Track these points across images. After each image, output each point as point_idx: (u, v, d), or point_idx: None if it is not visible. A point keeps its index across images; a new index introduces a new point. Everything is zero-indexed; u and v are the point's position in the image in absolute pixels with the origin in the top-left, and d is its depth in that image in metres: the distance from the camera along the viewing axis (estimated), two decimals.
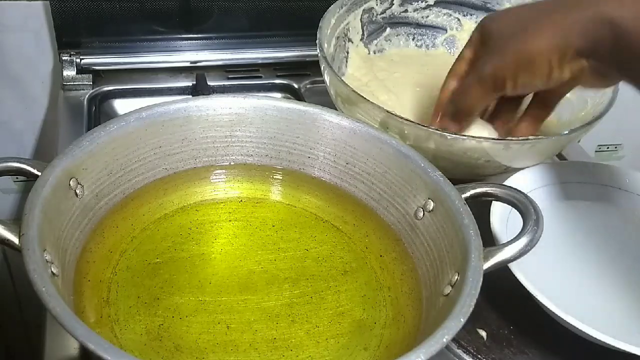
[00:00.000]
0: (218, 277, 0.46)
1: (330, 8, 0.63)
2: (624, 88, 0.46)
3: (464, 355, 0.47)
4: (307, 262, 0.48)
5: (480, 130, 0.53)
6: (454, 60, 0.53)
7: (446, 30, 0.73)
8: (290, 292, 0.45)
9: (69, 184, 0.42)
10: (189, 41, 0.76)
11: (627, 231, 0.58)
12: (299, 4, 0.76)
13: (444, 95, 0.53)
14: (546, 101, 0.51)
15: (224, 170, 0.53)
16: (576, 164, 0.62)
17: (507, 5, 0.71)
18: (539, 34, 0.43)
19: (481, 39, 0.49)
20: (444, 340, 0.34)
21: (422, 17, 0.73)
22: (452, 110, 0.52)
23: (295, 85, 0.76)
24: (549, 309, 0.45)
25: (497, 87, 0.47)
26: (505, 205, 0.46)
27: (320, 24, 0.60)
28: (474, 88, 0.49)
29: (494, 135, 0.54)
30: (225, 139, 0.52)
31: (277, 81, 0.76)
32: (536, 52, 0.44)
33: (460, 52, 0.52)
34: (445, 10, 0.73)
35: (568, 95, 0.53)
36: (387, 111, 0.51)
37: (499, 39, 0.47)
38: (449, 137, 0.50)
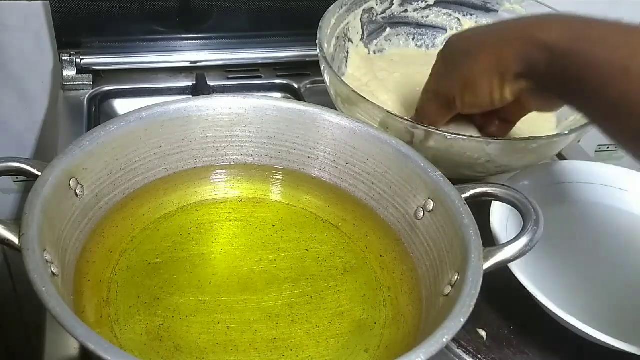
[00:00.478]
0: (218, 277, 0.46)
1: (330, 8, 0.63)
2: None
3: (464, 355, 0.47)
4: (307, 262, 0.48)
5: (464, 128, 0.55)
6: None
7: (446, 30, 0.73)
8: (290, 292, 0.45)
9: (69, 184, 0.42)
10: (189, 41, 0.76)
11: (627, 231, 0.58)
12: (299, 4, 0.76)
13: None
14: (506, 119, 0.54)
15: (224, 170, 0.53)
16: (576, 164, 0.62)
17: (507, 5, 0.71)
18: (481, 57, 0.46)
19: (443, 56, 0.52)
20: (444, 340, 0.34)
21: (422, 17, 0.73)
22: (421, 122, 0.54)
23: (295, 85, 0.76)
24: (549, 309, 0.45)
25: (449, 104, 0.51)
26: (505, 205, 0.46)
27: (320, 24, 0.60)
28: (430, 103, 0.53)
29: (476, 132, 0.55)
30: (225, 139, 0.52)
31: (277, 81, 0.76)
32: (477, 75, 0.47)
33: (432, 67, 0.54)
34: (445, 10, 0.73)
35: None
36: (387, 111, 0.51)
37: (452, 60, 0.50)
38: (448, 137, 0.50)
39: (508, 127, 0.55)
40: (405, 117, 0.52)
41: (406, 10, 0.72)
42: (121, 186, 0.48)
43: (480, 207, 0.47)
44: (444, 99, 0.51)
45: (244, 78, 0.76)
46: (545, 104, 0.49)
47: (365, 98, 0.53)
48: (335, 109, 0.54)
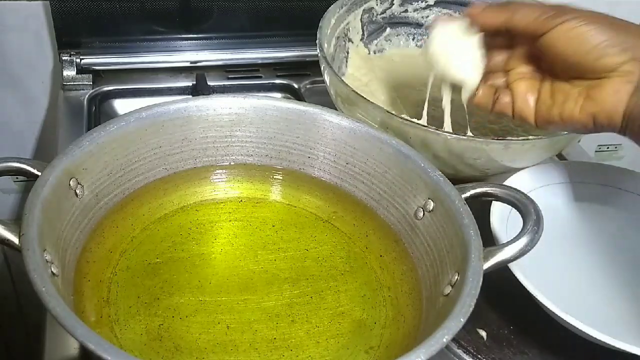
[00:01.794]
0: (218, 277, 0.46)
1: (330, 8, 0.63)
2: None
3: (464, 355, 0.47)
4: (307, 262, 0.48)
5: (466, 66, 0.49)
6: None
7: None
8: (290, 292, 0.45)
9: (69, 184, 0.42)
10: (189, 41, 0.76)
11: (627, 231, 0.58)
12: (299, 4, 0.76)
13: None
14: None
15: (224, 170, 0.53)
16: (576, 164, 0.62)
17: None
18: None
19: None
20: (444, 340, 0.34)
21: (422, 17, 0.73)
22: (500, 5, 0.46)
23: (295, 85, 0.76)
24: (549, 309, 0.45)
25: (563, 13, 0.42)
26: (505, 205, 0.46)
27: (320, 24, 0.60)
28: (542, 4, 0.44)
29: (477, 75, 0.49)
30: (225, 139, 0.52)
31: (277, 81, 0.76)
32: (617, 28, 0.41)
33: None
34: (445, 10, 0.73)
35: None
36: (387, 111, 0.51)
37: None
38: (449, 137, 0.50)
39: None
40: (406, 117, 0.52)
41: (406, 10, 0.72)
42: (121, 186, 0.48)
43: (480, 207, 0.47)
44: (564, 10, 0.42)
45: (244, 78, 0.76)
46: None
47: (365, 98, 0.53)
48: (335, 109, 0.54)
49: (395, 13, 0.72)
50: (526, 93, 0.46)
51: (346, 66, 0.68)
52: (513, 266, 0.46)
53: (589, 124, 0.43)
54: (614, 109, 0.41)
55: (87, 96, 0.70)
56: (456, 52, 0.48)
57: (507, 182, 0.55)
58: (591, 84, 0.42)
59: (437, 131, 0.50)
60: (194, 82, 0.73)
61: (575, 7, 0.43)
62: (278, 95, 0.75)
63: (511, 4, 0.44)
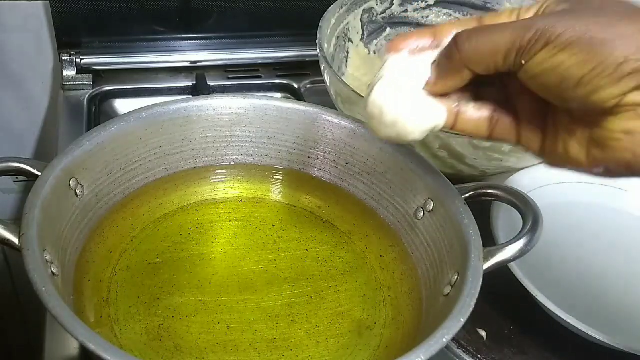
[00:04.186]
0: (218, 277, 0.46)
1: (330, 8, 0.63)
2: None
3: (464, 355, 0.47)
4: (307, 262, 0.48)
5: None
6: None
7: None
8: (290, 292, 0.45)
9: (69, 184, 0.42)
10: (189, 41, 0.76)
11: (626, 231, 0.58)
12: (299, 4, 0.76)
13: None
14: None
15: (224, 170, 0.53)
16: None
17: (507, 5, 0.71)
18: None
19: (569, 2, 0.32)
20: (444, 340, 0.34)
21: (422, 17, 0.73)
22: (446, 50, 0.35)
23: (295, 85, 0.76)
24: (549, 308, 0.45)
25: (530, 47, 0.31)
26: (505, 205, 0.46)
27: (320, 24, 0.60)
28: (506, 30, 0.32)
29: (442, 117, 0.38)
30: (225, 139, 0.52)
31: (277, 81, 0.76)
32: (614, 37, 0.29)
33: (507, 9, 0.36)
34: (445, 10, 0.73)
35: None
36: None
37: (586, 7, 0.31)
38: (449, 137, 0.50)
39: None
40: None
41: (406, 10, 0.72)
42: (121, 186, 0.48)
43: (480, 207, 0.47)
44: (528, 37, 0.30)
45: (244, 78, 0.76)
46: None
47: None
48: (335, 109, 0.54)
49: (395, 13, 0.72)
50: (533, 114, 0.35)
51: (346, 66, 0.68)
52: (513, 266, 0.46)
53: (602, 173, 0.32)
54: (630, 156, 0.30)
55: (87, 96, 0.70)
56: (404, 100, 0.36)
57: (507, 182, 0.55)
58: (593, 123, 0.31)
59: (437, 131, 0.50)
60: (194, 82, 0.73)
61: (565, 7, 0.32)
62: (278, 95, 0.75)
63: (464, 38, 0.33)
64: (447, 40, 0.35)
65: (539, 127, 0.35)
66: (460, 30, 0.34)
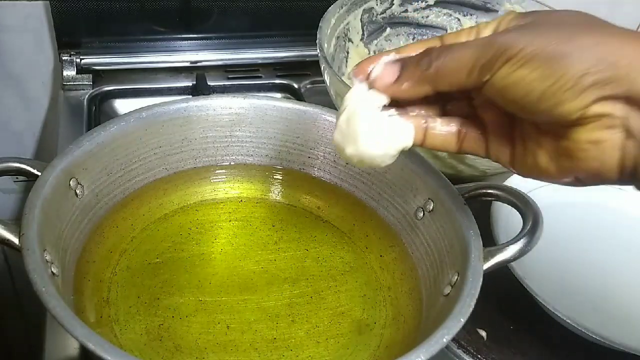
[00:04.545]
0: (218, 277, 0.46)
1: (330, 8, 0.63)
2: None
3: (464, 355, 0.47)
4: (307, 262, 0.48)
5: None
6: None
7: (446, 30, 0.73)
8: (290, 292, 0.45)
9: (69, 184, 0.42)
10: (189, 41, 0.75)
11: (626, 231, 0.58)
12: (299, 4, 0.76)
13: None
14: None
15: (224, 170, 0.53)
16: None
17: (507, 5, 0.71)
18: (593, 36, 0.29)
19: (530, 14, 0.33)
20: (444, 340, 0.34)
21: (422, 17, 0.73)
22: (415, 61, 0.34)
23: (295, 85, 0.76)
24: (549, 308, 0.45)
25: (492, 63, 0.31)
26: (505, 205, 0.46)
27: (320, 24, 0.60)
28: (469, 48, 0.32)
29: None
30: (225, 139, 0.52)
31: (277, 81, 0.76)
32: (575, 50, 0.29)
33: (466, 28, 0.36)
34: (445, 10, 0.73)
35: None
36: None
37: (550, 19, 0.32)
38: None
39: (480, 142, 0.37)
40: None
41: (406, 10, 0.72)
42: (121, 186, 0.48)
43: (480, 207, 0.47)
44: (490, 53, 0.31)
45: (244, 78, 0.76)
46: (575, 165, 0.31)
47: None
48: (335, 109, 0.54)
49: (395, 13, 0.72)
50: (501, 127, 0.35)
51: (346, 66, 0.68)
52: (513, 266, 0.46)
53: (572, 182, 0.33)
54: (598, 165, 0.30)
55: (87, 96, 0.70)
56: (365, 131, 0.36)
57: (507, 182, 0.55)
58: (560, 134, 0.31)
59: None
60: (194, 82, 0.73)
61: (529, 18, 0.32)
62: (278, 95, 0.75)
63: (433, 55, 0.33)
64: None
65: (507, 139, 0.35)
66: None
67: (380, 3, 0.70)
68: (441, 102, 0.37)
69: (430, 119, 0.36)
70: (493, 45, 0.31)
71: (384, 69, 0.35)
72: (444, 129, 0.36)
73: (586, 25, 0.30)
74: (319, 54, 0.58)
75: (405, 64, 0.35)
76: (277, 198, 0.53)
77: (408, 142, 0.36)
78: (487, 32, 0.34)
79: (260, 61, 0.78)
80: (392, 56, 0.36)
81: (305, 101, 0.69)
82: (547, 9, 0.68)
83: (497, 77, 0.31)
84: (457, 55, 0.32)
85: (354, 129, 0.36)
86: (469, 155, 0.52)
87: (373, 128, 0.36)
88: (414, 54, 0.35)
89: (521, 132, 0.34)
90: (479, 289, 0.38)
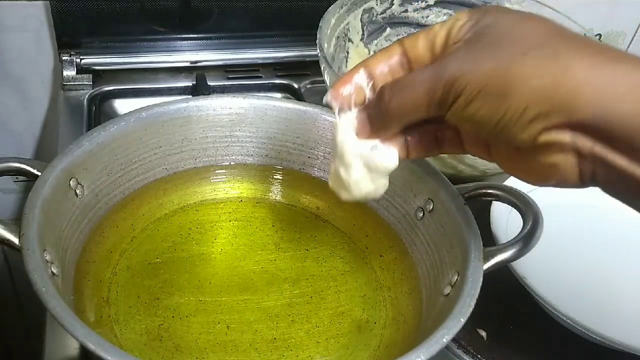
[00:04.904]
0: (218, 277, 0.46)
1: (330, 8, 0.63)
2: None
3: (464, 355, 0.47)
4: (307, 262, 0.48)
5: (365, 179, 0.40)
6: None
7: None
8: (290, 292, 0.45)
9: (69, 184, 0.42)
10: (189, 41, 0.75)
11: (627, 231, 0.58)
12: (299, 4, 0.76)
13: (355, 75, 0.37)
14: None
15: (224, 170, 0.53)
16: None
17: (507, 5, 0.71)
18: (541, 61, 0.29)
19: (477, 30, 0.32)
20: (444, 340, 0.34)
21: (422, 17, 0.73)
22: (375, 107, 0.36)
23: (295, 85, 0.76)
24: (549, 308, 0.45)
25: (447, 97, 0.32)
26: (505, 205, 0.46)
27: (320, 24, 0.60)
28: (417, 89, 0.33)
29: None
30: (225, 139, 0.52)
31: (277, 81, 0.76)
32: (519, 80, 0.29)
33: (423, 31, 0.35)
34: (445, 10, 0.73)
35: None
36: None
37: (492, 39, 0.31)
38: None
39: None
40: None
41: (406, 10, 0.72)
42: (121, 186, 0.48)
43: (480, 207, 0.47)
44: (443, 90, 0.32)
45: (244, 78, 0.76)
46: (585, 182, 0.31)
47: None
48: None
49: (395, 13, 0.72)
50: (475, 137, 0.36)
51: (346, 66, 0.68)
52: (513, 266, 0.46)
53: (553, 185, 0.33)
54: (563, 180, 0.32)
55: (87, 96, 0.70)
56: (353, 182, 0.39)
57: (507, 182, 0.55)
58: (526, 154, 0.32)
59: None
60: (194, 82, 0.73)
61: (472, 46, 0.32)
62: (278, 95, 0.75)
63: (386, 99, 0.34)
64: (378, 73, 0.36)
65: (482, 144, 0.36)
66: (383, 67, 0.36)
67: (380, 3, 0.70)
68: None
69: (410, 134, 0.37)
70: (441, 80, 0.32)
71: (358, 122, 0.37)
72: (424, 138, 0.37)
73: (532, 44, 0.30)
74: (319, 54, 0.58)
75: (369, 114, 0.36)
76: (277, 198, 0.53)
77: (394, 165, 0.38)
78: (442, 34, 0.34)
79: (260, 61, 0.78)
80: (362, 74, 0.36)
81: (305, 101, 0.69)
82: (548, 9, 0.68)
83: (453, 112, 0.32)
84: (410, 96, 0.33)
85: (345, 179, 0.39)
86: (469, 155, 0.52)
87: (361, 173, 0.38)
88: (382, 65, 0.36)
89: (494, 146, 0.35)
90: (479, 289, 0.37)
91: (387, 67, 0.36)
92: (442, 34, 0.34)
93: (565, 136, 0.29)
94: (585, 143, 0.29)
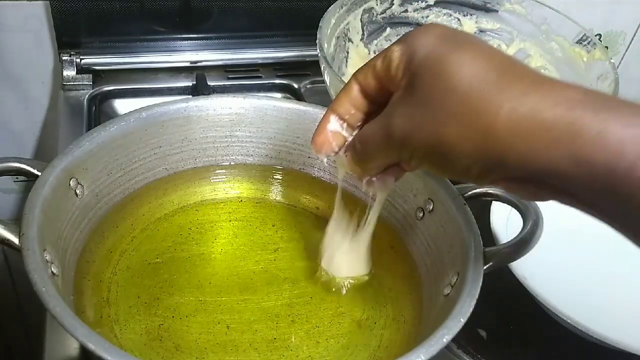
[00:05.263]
0: (218, 277, 0.46)
1: (330, 8, 0.63)
2: (625, 88, 0.46)
3: (464, 355, 0.47)
4: (307, 262, 0.48)
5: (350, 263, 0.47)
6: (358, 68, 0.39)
7: None
8: (290, 292, 0.45)
9: (69, 184, 0.42)
10: (189, 41, 0.75)
11: None
12: (299, 4, 0.76)
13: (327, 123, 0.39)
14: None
15: (224, 170, 0.53)
16: None
17: (507, 5, 0.71)
18: (470, 116, 0.29)
19: (412, 60, 0.33)
20: (444, 340, 0.34)
21: (422, 17, 0.73)
22: (355, 151, 0.38)
23: (295, 85, 0.76)
24: (549, 308, 0.45)
25: (402, 155, 0.34)
26: (505, 205, 0.46)
27: (320, 24, 0.60)
28: (376, 151, 0.35)
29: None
30: (225, 139, 0.52)
31: (277, 81, 0.76)
32: (458, 138, 0.30)
33: (369, 63, 0.37)
34: (445, 10, 0.73)
35: None
36: None
37: (429, 88, 0.31)
38: None
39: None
40: None
41: (406, 10, 0.72)
42: (121, 186, 0.48)
43: (480, 207, 0.47)
44: (397, 145, 0.33)
45: (244, 78, 0.76)
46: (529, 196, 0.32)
47: None
48: None
49: (395, 13, 0.72)
50: None
51: (346, 66, 0.68)
52: (513, 266, 0.46)
53: None
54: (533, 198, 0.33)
55: (87, 96, 0.70)
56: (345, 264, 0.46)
57: None
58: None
59: None
60: (194, 82, 0.73)
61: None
62: (278, 95, 0.75)
63: (356, 159, 0.37)
64: (345, 113, 0.38)
65: None
66: (348, 107, 0.38)
67: (381, 3, 0.70)
68: None
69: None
70: (393, 145, 0.33)
71: (348, 163, 0.39)
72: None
73: (457, 100, 0.30)
74: (319, 54, 0.58)
75: (352, 157, 0.38)
76: (277, 198, 0.53)
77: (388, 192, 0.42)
78: (383, 70, 0.35)
79: (260, 61, 0.78)
80: (334, 121, 0.38)
81: (305, 101, 0.69)
82: (548, 9, 0.68)
83: (411, 167, 0.35)
84: (374, 149, 0.35)
85: (336, 270, 0.46)
86: None
87: (349, 268, 0.46)
88: (347, 106, 0.38)
89: None
90: (479, 289, 0.37)
91: (350, 105, 0.38)
92: (383, 70, 0.35)
93: (516, 183, 0.30)
94: (533, 187, 0.30)
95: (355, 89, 0.38)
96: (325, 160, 0.40)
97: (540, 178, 0.29)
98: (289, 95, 0.75)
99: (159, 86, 0.73)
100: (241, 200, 0.53)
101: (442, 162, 0.32)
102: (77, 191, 0.43)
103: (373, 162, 0.37)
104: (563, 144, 0.27)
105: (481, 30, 0.73)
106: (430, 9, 0.72)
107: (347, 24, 0.67)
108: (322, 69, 0.58)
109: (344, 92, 0.38)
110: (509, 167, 0.29)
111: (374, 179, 0.39)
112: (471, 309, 0.36)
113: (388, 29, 0.72)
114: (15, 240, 0.36)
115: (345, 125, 0.38)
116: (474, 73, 0.30)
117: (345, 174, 0.43)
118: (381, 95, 0.36)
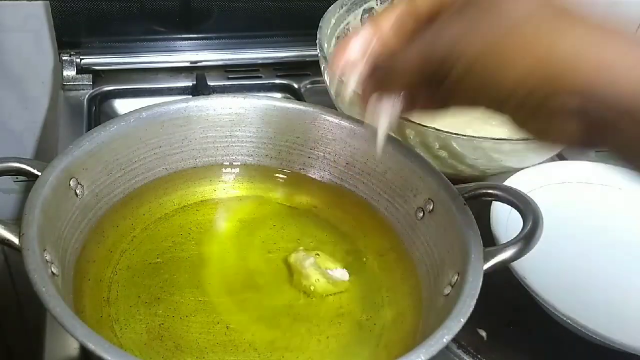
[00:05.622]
0: (218, 277, 0.46)
1: (330, 8, 0.63)
2: None
3: (464, 355, 0.47)
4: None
5: None
6: None
7: None
8: (290, 292, 0.45)
9: (69, 184, 0.42)
10: (189, 41, 0.76)
11: (626, 231, 0.58)
12: (299, 4, 0.76)
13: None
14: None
15: (224, 170, 0.53)
16: (576, 164, 0.62)
17: None
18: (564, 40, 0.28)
19: None
20: (444, 340, 0.34)
21: None
22: (371, 75, 0.36)
23: (295, 85, 0.76)
24: (549, 308, 0.45)
25: (444, 65, 0.31)
26: (505, 205, 0.46)
27: (320, 24, 0.60)
28: (408, 62, 0.33)
29: None
30: (225, 139, 0.52)
31: (277, 81, 0.76)
32: (519, 42, 0.29)
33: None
34: None
35: None
36: None
37: (498, 8, 0.30)
38: (449, 137, 0.50)
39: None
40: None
41: None
42: (121, 186, 0.48)
43: (480, 207, 0.47)
44: (435, 65, 0.31)
45: (244, 78, 0.76)
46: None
47: None
48: (335, 109, 0.54)
49: None
50: None
51: None
52: (513, 266, 0.46)
53: None
54: (567, 143, 0.32)
55: (87, 96, 0.70)
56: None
57: (507, 182, 0.55)
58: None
59: (437, 131, 0.50)
60: (194, 82, 0.73)
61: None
62: (278, 95, 0.75)
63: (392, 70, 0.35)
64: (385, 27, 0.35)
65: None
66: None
67: (381, 3, 0.70)
68: None
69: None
70: (436, 52, 0.31)
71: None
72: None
73: (531, 12, 0.29)
74: (319, 54, 0.58)
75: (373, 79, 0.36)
76: (277, 198, 0.53)
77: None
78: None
79: (260, 61, 0.78)
80: (362, 36, 0.36)
81: (305, 101, 0.69)
82: None
83: (451, 82, 0.31)
84: (406, 68, 0.33)
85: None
86: (469, 155, 0.52)
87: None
88: (386, 24, 0.35)
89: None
90: (479, 289, 0.37)
91: (394, 21, 0.35)
92: None
93: (551, 118, 0.29)
94: (592, 113, 0.28)
95: (403, 9, 0.35)
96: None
97: (597, 111, 0.27)
98: (289, 95, 0.75)
99: (159, 86, 0.73)
100: (241, 200, 0.53)
101: (487, 77, 0.29)
102: (77, 191, 0.43)
103: (400, 78, 0.34)
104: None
105: None
106: None
107: (347, 24, 0.67)
108: (322, 69, 0.58)
109: (391, 8, 0.35)
110: (564, 95, 0.28)
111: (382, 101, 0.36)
112: (471, 309, 0.36)
113: None
114: (15, 240, 0.36)
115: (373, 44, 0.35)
116: None
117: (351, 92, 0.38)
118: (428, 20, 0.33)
